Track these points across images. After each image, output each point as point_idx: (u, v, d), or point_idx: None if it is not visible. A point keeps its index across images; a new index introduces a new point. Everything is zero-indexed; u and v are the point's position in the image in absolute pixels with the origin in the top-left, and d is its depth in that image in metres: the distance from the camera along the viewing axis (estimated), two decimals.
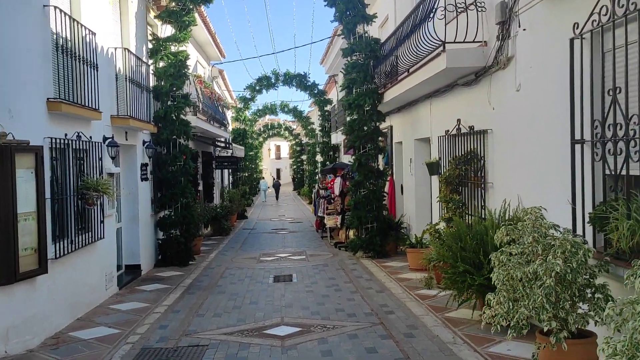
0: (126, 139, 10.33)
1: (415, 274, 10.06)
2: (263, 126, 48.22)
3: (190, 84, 14.26)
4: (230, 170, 28.50)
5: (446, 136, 9.53)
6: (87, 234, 8.09)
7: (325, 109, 26.69)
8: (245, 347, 6.24)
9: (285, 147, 75.03)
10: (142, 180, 11.36)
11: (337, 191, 14.10)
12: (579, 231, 5.19)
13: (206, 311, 7.99)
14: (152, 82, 12.30)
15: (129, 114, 9.71)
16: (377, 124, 12.53)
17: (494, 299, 4.63)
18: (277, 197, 42.98)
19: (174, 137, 12.30)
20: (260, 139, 48.82)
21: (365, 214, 12.25)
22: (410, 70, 9.79)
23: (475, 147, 8.23)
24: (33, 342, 6.39)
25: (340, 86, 13.00)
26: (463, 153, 8.68)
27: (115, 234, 9.83)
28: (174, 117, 12.33)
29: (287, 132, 51.16)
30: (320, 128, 27.63)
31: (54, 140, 6.97)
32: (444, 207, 8.95)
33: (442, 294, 7.64)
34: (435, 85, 9.57)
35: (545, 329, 4.30)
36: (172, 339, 6.63)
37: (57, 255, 6.98)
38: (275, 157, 78.43)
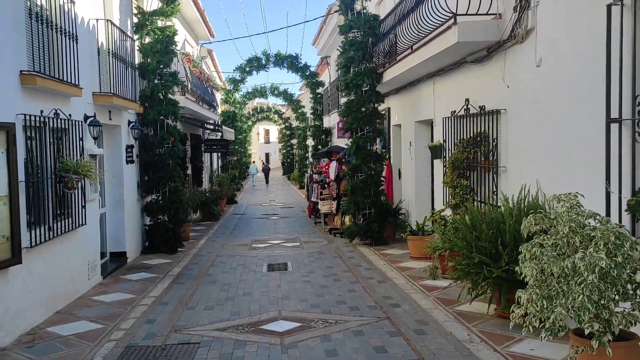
0: (110, 119, 9.65)
1: (418, 262, 9.56)
2: (252, 109, 47.41)
3: (178, 61, 13.54)
4: (219, 154, 27.82)
5: (452, 117, 8.98)
6: (67, 220, 7.47)
7: (317, 91, 26.00)
8: (241, 345, 5.69)
9: (274, 131, 74.24)
10: (127, 163, 10.70)
11: (332, 175, 13.55)
12: (614, 220, 4.67)
13: (197, 303, 7.43)
14: (137, 59, 11.58)
15: (112, 92, 9.03)
16: (376, 105, 11.94)
17: (525, 296, 4.11)
18: (266, 182, 43.31)
19: (162, 117, 11.62)
20: (250, 123, 48.07)
21: (363, 199, 11.71)
22: (414, 47, 9.19)
23: (486, 128, 7.69)
24: (5, 339, 5.79)
25: (336, 65, 12.35)
26: (472, 135, 8.14)
27: (98, 220, 9.20)
28: (162, 97, 11.64)
29: (276, 116, 50.33)
30: (311, 111, 26.96)
31: (28, 118, 6.31)
32: (451, 193, 8.42)
33: (449, 284, 7.13)
34: (441, 63, 8.99)
35: (587, 332, 3.79)
36: (160, 335, 6.06)
37: (33, 244, 6.36)
38: (264, 142, 77.67)
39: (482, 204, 7.68)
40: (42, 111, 6.66)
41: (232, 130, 23.97)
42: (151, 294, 8.01)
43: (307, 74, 25.49)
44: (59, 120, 7.15)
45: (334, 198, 13.65)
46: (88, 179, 7.38)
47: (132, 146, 10.98)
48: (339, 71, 12.68)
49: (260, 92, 34.03)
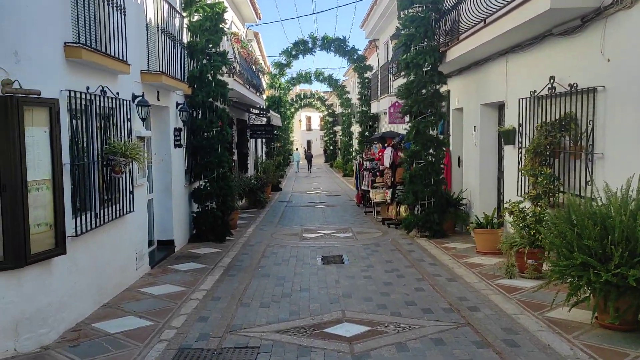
0: (158, 100, 9.12)
1: (487, 258, 8.73)
2: (295, 96, 46.85)
3: (227, 41, 12.96)
4: (263, 140, 27.34)
5: (531, 98, 8.05)
6: (114, 206, 6.97)
7: (365, 75, 25.13)
8: (306, 352, 5.03)
9: (316, 118, 73.66)
10: (175, 147, 10.20)
11: (387, 163, 12.75)
12: None
13: (251, 299, 6.83)
14: (186, 38, 11.04)
15: (161, 70, 8.47)
16: (438, 86, 11.05)
17: None
18: (309, 168, 43.54)
19: (210, 99, 11.06)
20: (292, 110, 47.55)
21: (422, 188, 10.89)
22: (488, 21, 8.28)
23: (577, 109, 6.76)
24: (49, 336, 5.31)
25: (394, 44, 11.50)
26: (557, 117, 7.22)
27: (146, 207, 8.71)
28: (210, 77, 11.08)
29: (319, 102, 49.59)
30: (358, 96, 26.11)
31: (73, 94, 5.78)
32: (531, 183, 7.51)
33: (536, 287, 6.28)
34: (519, 37, 8.06)
35: None
36: (215, 336, 5.47)
37: (79, 232, 5.85)
38: (306, 129, 77.14)
39: (570, 196, 6.78)
40: (88, 88, 6.13)
41: (279, 116, 23.36)
42: (202, 287, 7.46)
43: (355, 57, 24.68)
44: (106, 99, 6.62)
45: (389, 187, 12.87)
46: (136, 163, 6.83)
47: (180, 129, 10.47)
48: (398, 49, 11.83)
49: (304, 78, 33.42)
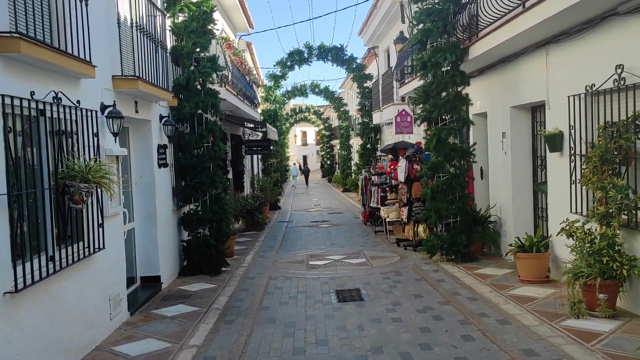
0: (136, 111, 7.68)
1: (535, 288, 7.29)
2: (291, 110, 45.58)
3: (217, 46, 11.58)
4: (259, 156, 25.92)
5: (587, 94, 6.66)
6: (76, 245, 5.49)
7: (365, 85, 23.82)
8: None
9: (311, 132, 72.47)
10: (159, 167, 8.74)
11: (401, 177, 11.31)
12: None
13: (254, 359, 5.34)
14: (170, 42, 9.64)
15: (138, 75, 7.04)
16: (460, 88, 9.66)
17: None
18: (306, 183, 43.28)
19: (199, 111, 9.64)
20: (287, 124, 46.25)
21: (446, 205, 9.45)
22: (528, 4, 6.91)
23: None
24: None
25: (410, 40, 10.13)
26: (630, 115, 5.81)
27: (123, 240, 7.22)
28: (199, 86, 9.67)
29: (315, 116, 48.33)
30: (358, 107, 24.77)
31: (9, 101, 4.33)
32: (598, 197, 6.07)
33: (608, 327, 4.83)
34: (568, 22, 6.68)
35: None
36: None
37: (20, 286, 4.36)
38: (301, 144, 75.95)
39: None
40: (32, 93, 4.67)
41: (276, 130, 21.96)
42: (192, 341, 5.95)
43: (354, 66, 23.38)
44: (62, 109, 5.17)
45: (404, 204, 11.42)
46: (102, 189, 5.36)
47: (165, 146, 9.03)
48: (411, 49, 10.45)
49: (300, 91, 32.19)
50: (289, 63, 23.36)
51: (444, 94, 9.55)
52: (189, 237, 9.73)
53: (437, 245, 9.63)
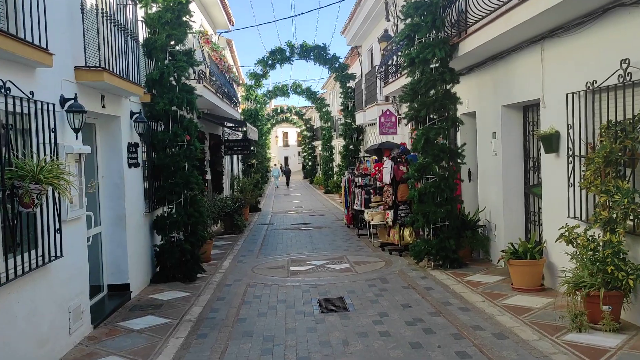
0: (103, 106, 7.07)
1: (530, 297, 6.88)
2: (272, 110, 45.00)
3: (194, 40, 11.00)
4: (240, 157, 25.31)
5: (588, 92, 6.25)
6: (28, 253, 4.90)
7: (348, 85, 23.37)
8: None
9: (293, 134, 71.92)
10: (130, 167, 8.14)
11: (386, 179, 10.83)
12: None
13: None
14: (142, 34, 9.05)
15: (104, 67, 6.44)
16: (449, 86, 9.21)
17: None
18: (287, 184, 43.34)
19: (174, 108, 9.05)
20: (269, 125, 45.65)
21: (434, 208, 9.01)
22: None
23: None
24: None
25: (397, 36, 9.67)
26: (636, 115, 5.40)
27: (86, 246, 6.60)
28: (173, 82, 9.08)
29: (296, 117, 47.82)
30: (341, 107, 24.31)
31: None
32: (602, 202, 5.64)
33: (614, 342, 4.41)
34: (566, 15, 6.27)
35: None
36: None
37: None
38: (283, 145, 75.32)
39: None
40: None
41: (256, 130, 21.38)
42: (159, 358, 5.39)
43: (336, 65, 22.91)
44: (12, 100, 4.58)
45: (390, 207, 10.95)
46: (56, 191, 4.75)
47: (136, 145, 8.42)
48: (398, 45, 9.98)
49: (281, 91, 31.69)
50: (270, 62, 22.80)
51: (432, 91, 9.11)
52: (162, 242, 9.14)
53: (425, 250, 9.18)
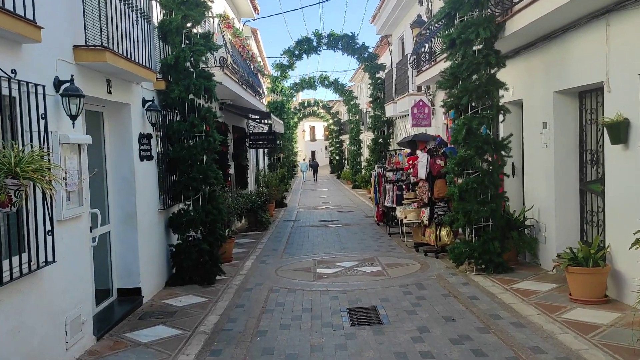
0: (109, 92, 6.37)
1: (594, 311, 5.96)
2: (299, 104, 44.28)
3: (213, 24, 10.27)
4: (265, 150, 24.63)
5: None
6: (15, 258, 4.20)
7: (377, 75, 22.43)
8: None
9: (320, 128, 71.15)
10: (142, 160, 7.45)
11: (422, 173, 9.93)
12: None
13: None
14: (157, 15, 8.35)
15: (106, 45, 5.71)
16: (494, 70, 8.26)
17: None
18: (315, 178, 43.44)
19: (191, 96, 8.33)
20: (295, 119, 44.96)
21: (477, 206, 8.10)
22: None
23: None
24: None
25: (434, 16, 8.74)
26: None
27: (90, 248, 5.91)
28: (190, 67, 8.36)
29: (323, 111, 46.99)
30: (370, 99, 23.39)
31: None
32: None
33: None
34: None
35: None
36: None
37: None
38: (310, 139, 74.69)
39: None
40: None
41: (282, 122, 20.62)
42: None
43: (365, 55, 22.03)
44: None
45: (425, 204, 10.05)
46: (40, 186, 4.02)
47: (149, 136, 7.73)
48: (438, 23, 9.04)
49: (308, 83, 30.94)
50: (297, 52, 22.06)
51: (475, 76, 8.17)
52: (178, 241, 8.45)
53: (466, 253, 8.27)
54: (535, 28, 7.44)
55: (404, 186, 12.09)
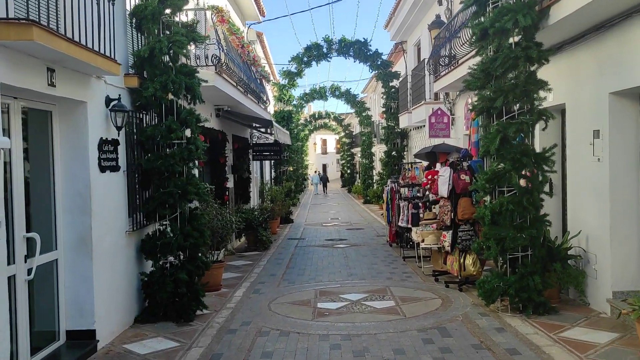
0: (51, 84, 5.00)
1: None
2: (310, 116, 43.05)
3: (205, 15, 8.97)
4: (272, 163, 23.28)
5: None
6: None
7: (391, 84, 21.06)
8: None
9: (332, 141, 69.88)
10: (103, 171, 6.08)
11: (443, 190, 8.45)
12: None
13: None
14: (130, 1, 7.05)
15: (35, 20, 4.34)
16: (534, 67, 6.81)
17: None
18: (325, 191, 43.22)
19: (169, 95, 6.98)
20: (306, 131, 43.70)
21: (513, 232, 6.60)
22: None
23: None
24: None
25: (461, 1, 7.28)
26: None
27: (24, 282, 4.52)
28: (169, 61, 7.01)
29: (335, 123, 45.71)
30: (383, 109, 21.99)
31: None
32: None
33: None
34: None
35: None
36: None
37: None
38: (321, 152, 73.45)
39: None
40: None
41: (287, 132, 19.27)
42: None
43: (379, 63, 20.68)
44: None
45: (447, 226, 8.57)
46: None
47: (114, 142, 6.36)
48: (468, 9, 7.59)
49: (319, 93, 29.64)
50: (305, 59, 20.79)
51: (511, 74, 6.73)
52: (152, 269, 7.06)
53: (499, 289, 6.76)
54: (588, 13, 6.01)
55: (420, 204, 10.64)
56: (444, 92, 14.05)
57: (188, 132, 7.19)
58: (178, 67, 7.06)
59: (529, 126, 6.63)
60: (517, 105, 6.73)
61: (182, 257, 7.08)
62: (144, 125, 7.10)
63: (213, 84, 8.89)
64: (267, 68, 20.80)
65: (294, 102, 27.45)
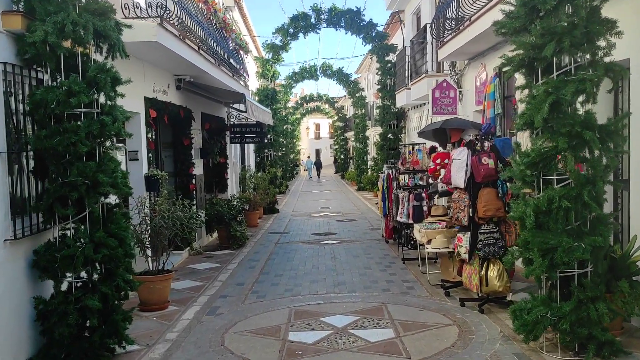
0: None
1: None
2: (300, 98, 40.83)
3: None
4: (255, 146, 21.11)
5: None
6: None
7: (387, 59, 18.89)
8: None
9: (325, 125, 67.72)
10: None
11: (458, 179, 6.34)
12: None
13: None
14: None
15: None
16: (596, 1, 4.67)
17: None
18: (318, 175, 43.00)
19: (69, 43, 4.82)
20: (298, 115, 41.49)
21: (568, 240, 4.51)
22: None
23: None
24: None
25: None
26: None
27: None
28: None
29: (327, 105, 43.52)
30: (378, 87, 19.83)
31: None
32: None
33: None
34: None
35: None
36: None
37: None
38: (314, 137, 71.21)
39: None
40: None
41: (269, 111, 17.07)
42: None
43: (373, 34, 18.51)
44: None
45: (464, 226, 6.45)
46: None
47: None
48: None
49: (309, 72, 27.53)
50: (291, 30, 18.62)
51: (567, 8, 4.59)
52: (53, 292, 4.95)
53: (545, 321, 4.69)
54: None
55: (423, 194, 8.56)
56: (450, 62, 11.95)
57: (103, 99, 5.05)
58: (84, 4, 4.89)
59: (593, 85, 4.50)
60: (576, 55, 4.60)
61: (98, 272, 4.98)
62: (34, 87, 4.94)
63: (155, 39, 6.74)
64: (249, 40, 18.57)
65: (282, 82, 25.29)
